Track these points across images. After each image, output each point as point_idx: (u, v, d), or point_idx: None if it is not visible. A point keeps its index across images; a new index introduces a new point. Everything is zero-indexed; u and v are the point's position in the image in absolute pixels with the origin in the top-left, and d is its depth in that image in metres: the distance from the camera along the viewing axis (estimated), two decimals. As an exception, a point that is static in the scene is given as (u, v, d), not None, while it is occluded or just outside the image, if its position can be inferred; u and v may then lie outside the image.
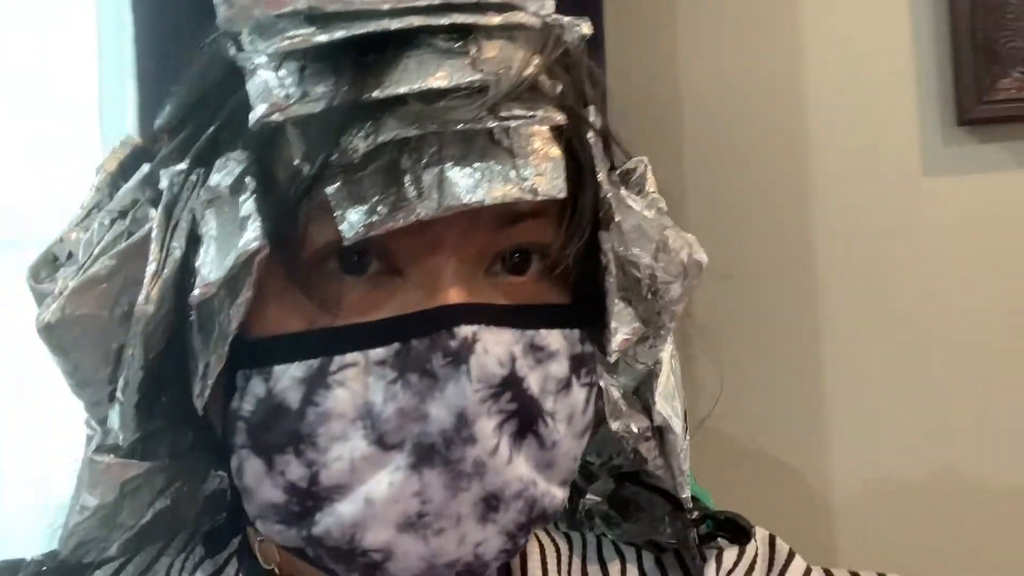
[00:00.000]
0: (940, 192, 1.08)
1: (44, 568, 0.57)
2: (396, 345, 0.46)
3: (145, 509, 0.56)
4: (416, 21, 0.45)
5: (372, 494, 0.46)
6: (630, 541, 0.59)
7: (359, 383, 0.46)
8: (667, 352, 0.54)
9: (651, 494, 0.58)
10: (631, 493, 0.58)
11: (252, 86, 0.47)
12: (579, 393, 0.49)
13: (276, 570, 0.54)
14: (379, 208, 0.44)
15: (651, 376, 0.54)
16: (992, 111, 1.05)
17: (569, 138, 0.48)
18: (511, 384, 0.46)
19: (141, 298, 0.48)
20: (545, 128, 0.47)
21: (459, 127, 0.45)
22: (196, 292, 0.47)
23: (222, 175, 0.48)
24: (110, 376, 0.52)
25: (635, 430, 0.55)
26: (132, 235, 0.50)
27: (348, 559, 0.47)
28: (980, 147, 1.07)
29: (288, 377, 0.46)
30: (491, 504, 0.47)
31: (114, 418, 0.52)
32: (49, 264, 0.52)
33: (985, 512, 1.06)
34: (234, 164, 0.48)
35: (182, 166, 0.50)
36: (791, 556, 0.58)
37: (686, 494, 0.56)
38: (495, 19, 0.46)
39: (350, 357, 0.46)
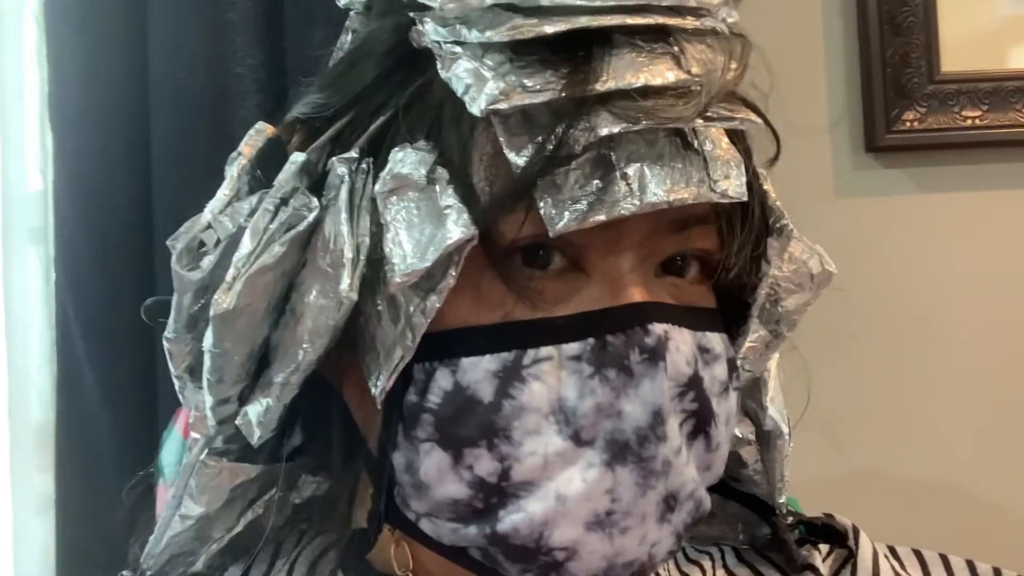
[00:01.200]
0: (851, 212, 1.18)
1: None
2: (591, 340, 0.45)
3: (236, 519, 0.54)
4: (628, 20, 0.45)
5: (564, 491, 0.45)
6: (703, 542, 0.60)
7: (553, 377, 0.45)
8: (774, 360, 0.57)
9: (724, 500, 0.59)
10: None
11: (457, 73, 0.45)
12: (733, 397, 0.50)
13: None
14: (586, 202, 0.44)
15: (758, 383, 0.56)
16: (897, 140, 1.16)
17: (738, 143, 0.49)
18: (694, 384, 0.46)
19: (344, 286, 0.46)
20: (723, 132, 0.47)
21: (672, 124, 0.45)
22: (398, 279, 0.45)
23: (409, 165, 0.46)
24: (249, 371, 0.49)
25: (739, 435, 0.56)
26: (293, 226, 0.47)
27: (529, 558, 0.46)
28: (886, 172, 1.18)
29: (480, 370, 0.45)
30: (670, 504, 0.46)
31: (253, 416, 0.49)
32: (194, 251, 0.50)
33: (900, 508, 1.15)
34: (422, 153, 0.46)
35: (353, 154, 0.48)
36: (856, 532, 0.60)
37: (782, 499, 0.57)
38: (693, 23, 0.46)
39: (544, 351, 0.45)
